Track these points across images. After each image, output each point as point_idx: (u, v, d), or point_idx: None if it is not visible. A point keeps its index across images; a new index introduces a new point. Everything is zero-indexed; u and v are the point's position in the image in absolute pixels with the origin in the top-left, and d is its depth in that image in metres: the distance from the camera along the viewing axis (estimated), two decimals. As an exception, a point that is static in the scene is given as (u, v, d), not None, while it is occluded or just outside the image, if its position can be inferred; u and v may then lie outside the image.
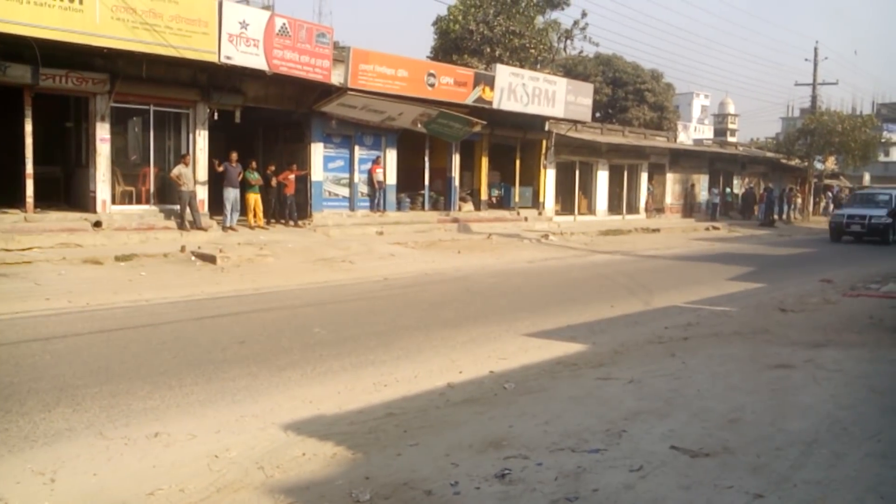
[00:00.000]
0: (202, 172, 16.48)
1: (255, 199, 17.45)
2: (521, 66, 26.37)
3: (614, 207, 30.00)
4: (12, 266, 11.58)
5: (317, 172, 18.93)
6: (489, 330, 8.60)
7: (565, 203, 27.84)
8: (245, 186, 17.26)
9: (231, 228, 16.64)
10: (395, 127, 20.10)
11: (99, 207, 15.05)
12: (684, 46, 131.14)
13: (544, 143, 25.61)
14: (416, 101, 19.18)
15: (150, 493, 4.05)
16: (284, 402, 5.71)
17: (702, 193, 34.37)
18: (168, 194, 16.28)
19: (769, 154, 39.78)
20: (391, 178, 20.75)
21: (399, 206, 21.26)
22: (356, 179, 20.01)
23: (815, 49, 40.51)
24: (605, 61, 43.45)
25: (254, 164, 17.58)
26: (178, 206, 15.94)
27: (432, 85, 19.65)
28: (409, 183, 22.01)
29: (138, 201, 16.09)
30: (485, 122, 20.76)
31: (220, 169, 16.51)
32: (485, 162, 23.76)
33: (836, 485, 3.92)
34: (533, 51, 30.20)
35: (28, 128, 14.10)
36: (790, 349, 7.38)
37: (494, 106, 21.38)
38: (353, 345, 7.66)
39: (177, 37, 14.32)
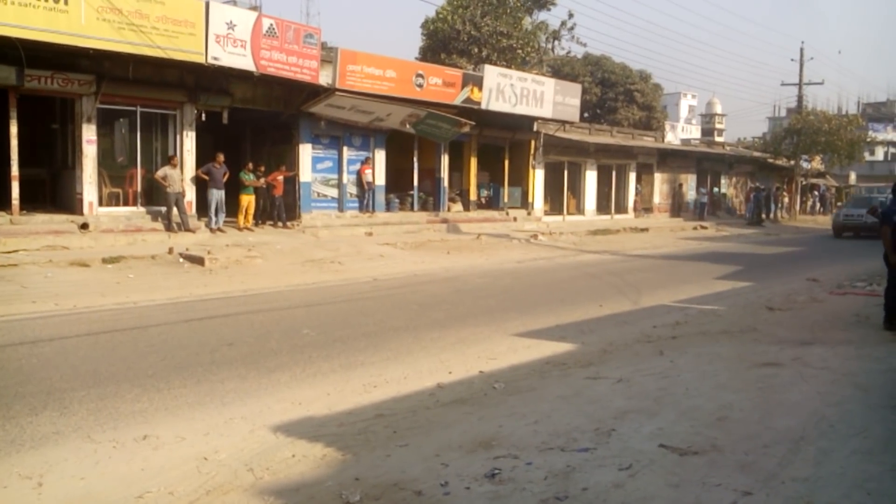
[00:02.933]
0: (190, 174, 16.41)
1: (248, 200, 17.39)
2: (509, 67, 26.41)
3: (603, 207, 30.10)
4: (-2, 269, 11.47)
5: (305, 173, 18.88)
6: (478, 330, 8.60)
7: (554, 203, 27.91)
8: (239, 187, 17.19)
9: (218, 230, 16.57)
10: (383, 128, 20.08)
11: (86, 209, 14.95)
12: (671, 47, 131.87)
13: (533, 143, 25.67)
14: (404, 101, 19.17)
15: (139, 496, 4.03)
16: (273, 403, 5.69)
17: (689, 193, 34.56)
18: (155, 196, 16.18)
19: (756, 154, 40.04)
20: (380, 179, 20.73)
21: (388, 207, 21.25)
22: (345, 180, 19.98)
23: (801, 49, 40.81)
24: (594, 62, 43.68)
25: (250, 166, 17.56)
26: (165, 208, 15.86)
27: (420, 85, 19.65)
28: (398, 184, 22.00)
29: (125, 203, 15.99)
30: (473, 123, 20.79)
31: (206, 177, 16.42)
32: (473, 162, 23.79)
33: (823, 481, 3.95)
34: (520, 51, 30.27)
35: (13, 129, 13.99)
36: (777, 347, 7.43)
37: (483, 106, 21.40)
38: (342, 346, 7.65)
39: (163, 38, 14.25)
